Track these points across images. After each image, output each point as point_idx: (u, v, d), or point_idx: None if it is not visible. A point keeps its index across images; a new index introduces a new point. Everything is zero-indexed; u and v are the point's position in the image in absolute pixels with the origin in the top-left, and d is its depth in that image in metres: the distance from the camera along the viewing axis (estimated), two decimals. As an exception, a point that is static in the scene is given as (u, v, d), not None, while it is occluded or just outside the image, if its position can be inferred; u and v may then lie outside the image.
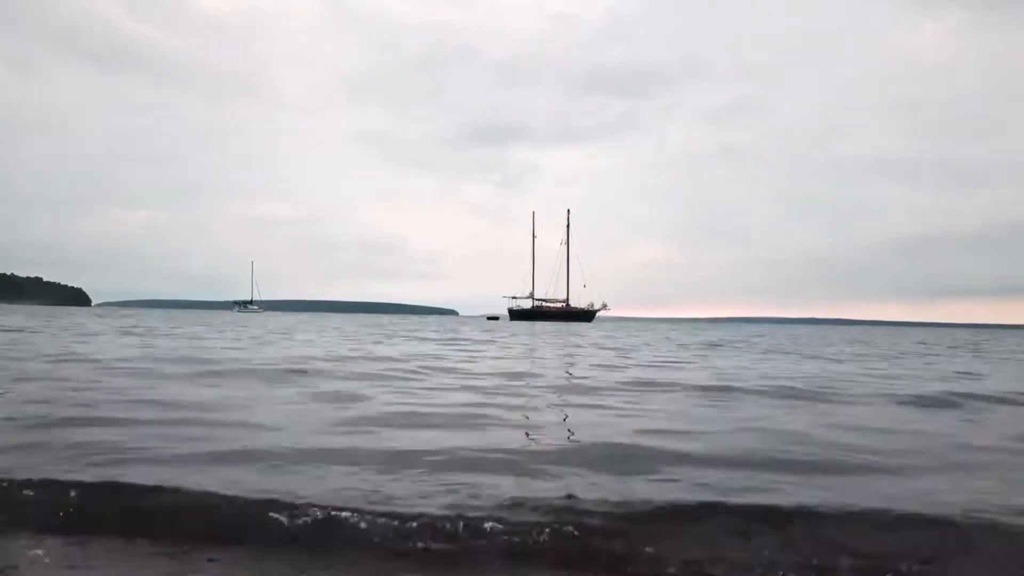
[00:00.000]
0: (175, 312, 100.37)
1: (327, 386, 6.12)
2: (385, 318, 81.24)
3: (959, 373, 9.98)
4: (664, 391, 6.46)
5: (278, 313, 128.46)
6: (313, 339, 15.89)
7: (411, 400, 5.33)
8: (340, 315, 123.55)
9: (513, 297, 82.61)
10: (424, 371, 7.54)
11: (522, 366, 9.33)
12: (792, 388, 6.82)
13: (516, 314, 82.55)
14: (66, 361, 7.82)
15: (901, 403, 6.00)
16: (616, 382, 7.01)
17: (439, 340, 17.69)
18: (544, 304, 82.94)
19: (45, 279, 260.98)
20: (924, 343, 26.36)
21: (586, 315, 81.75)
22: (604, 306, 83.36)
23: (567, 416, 4.77)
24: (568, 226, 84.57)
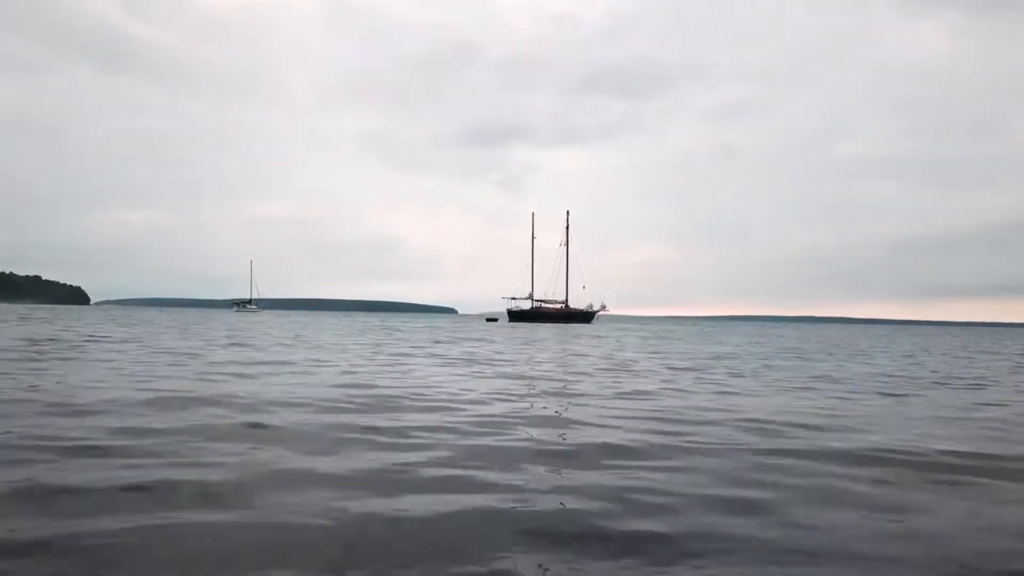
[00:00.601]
0: (174, 313, 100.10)
1: (268, 454, 5.69)
2: (387, 320, 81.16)
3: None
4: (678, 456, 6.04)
5: (278, 313, 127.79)
6: (293, 362, 15.52)
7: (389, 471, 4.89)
8: (340, 314, 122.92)
9: (512, 298, 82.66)
10: (425, 431, 7.08)
11: (508, 407, 8.92)
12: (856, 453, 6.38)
13: (515, 315, 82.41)
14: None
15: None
16: (604, 443, 6.59)
17: (440, 360, 17.31)
18: (543, 305, 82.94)
19: (44, 278, 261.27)
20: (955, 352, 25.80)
21: (585, 316, 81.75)
22: (603, 307, 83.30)
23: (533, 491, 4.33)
24: (567, 227, 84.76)
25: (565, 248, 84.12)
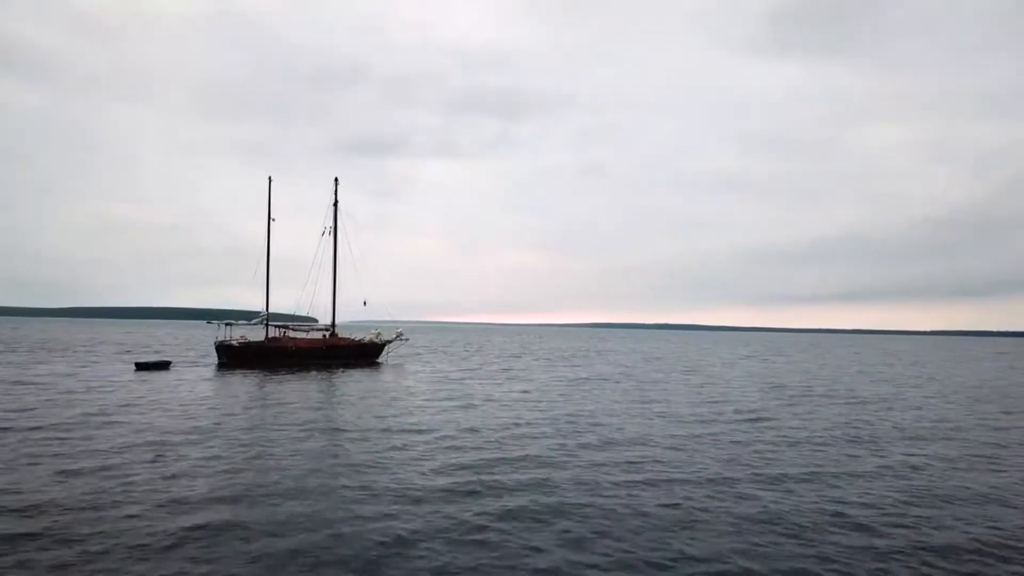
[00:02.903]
0: None
1: None
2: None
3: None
4: None
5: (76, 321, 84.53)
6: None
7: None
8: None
9: (227, 323, 45.68)
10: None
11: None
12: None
13: (234, 354, 43.45)
14: None
15: None
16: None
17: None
18: (289, 331, 48.19)
19: None
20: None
21: (364, 351, 48.79)
22: (399, 336, 51.68)
23: None
24: (335, 203, 50.34)
25: (332, 238, 50.13)
